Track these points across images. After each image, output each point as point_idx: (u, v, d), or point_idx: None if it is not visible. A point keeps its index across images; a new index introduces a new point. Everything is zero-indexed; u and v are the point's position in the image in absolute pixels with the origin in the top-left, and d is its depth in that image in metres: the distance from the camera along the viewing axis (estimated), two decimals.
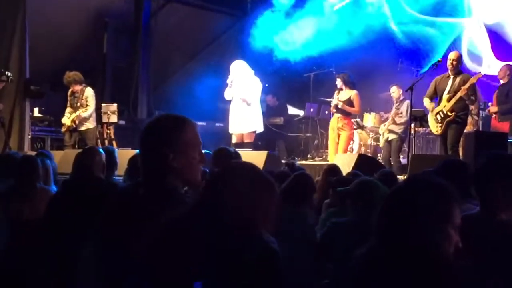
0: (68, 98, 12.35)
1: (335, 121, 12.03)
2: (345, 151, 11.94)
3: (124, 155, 8.96)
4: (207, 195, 2.42)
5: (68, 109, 12.24)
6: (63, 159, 9.94)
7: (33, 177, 5.45)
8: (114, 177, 6.45)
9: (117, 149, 11.41)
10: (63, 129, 12.27)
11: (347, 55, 15.49)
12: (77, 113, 11.94)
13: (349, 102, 11.85)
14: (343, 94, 11.97)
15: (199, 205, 2.42)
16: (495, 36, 14.87)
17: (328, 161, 12.18)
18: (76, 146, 12.06)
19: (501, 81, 11.50)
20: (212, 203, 2.35)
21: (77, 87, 12.13)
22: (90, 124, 12.13)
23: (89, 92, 12.17)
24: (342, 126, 11.93)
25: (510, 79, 11.41)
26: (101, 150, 5.41)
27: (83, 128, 12.10)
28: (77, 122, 11.98)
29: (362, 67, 15.62)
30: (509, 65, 11.92)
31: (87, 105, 12.00)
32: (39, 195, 5.32)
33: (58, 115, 13.36)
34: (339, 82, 12.03)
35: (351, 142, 13.30)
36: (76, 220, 4.13)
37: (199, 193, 2.49)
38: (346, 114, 11.96)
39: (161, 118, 2.89)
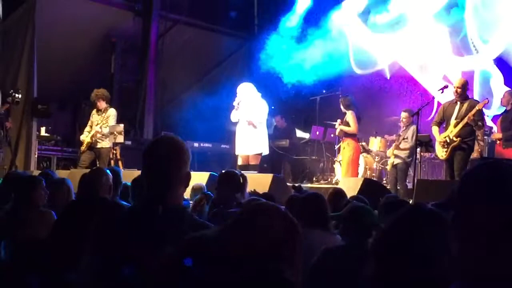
0: (91, 116, 12.42)
1: (342, 144, 12.13)
2: (348, 171, 11.88)
3: (129, 175, 9.01)
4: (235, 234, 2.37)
5: (88, 128, 12.31)
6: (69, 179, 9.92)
7: (33, 198, 5.18)
8: (118, 197, 6.45)
9: (122, 170, 11.52)
10: (82, 148, 12.30)
11: (355, 79, 15.57)
12: (97, 128, 12.03)
13: (346, 123, 11.91)
14: (344, 117, 12.07)
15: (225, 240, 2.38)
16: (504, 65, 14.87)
17: (333, 184, 12.18)
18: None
19: (505, 108, 11.53)
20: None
21: (103, 105, 12.28)
22: (106, 144, 12.18)
23: (112, 112, 12.32)
24: (344, 147, 11.98)
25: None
26: (108, 171, 5.41)
27: (98, 146, 12.16)
28: (97, 137, 12.06)
29: (369, 91, 15.69)
30: (511, 91, 11.98)
31: (107, 124, 12.11)
32: (39, 219, 4.95)
33: (65, 135, 13.43)
34: (341, 107, 12.12)
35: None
36: (79, 241, 4.11)
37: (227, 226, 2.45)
38: (346, 136, 11.99)
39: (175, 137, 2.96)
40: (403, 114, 12.58)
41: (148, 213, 2.77)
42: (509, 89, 12.24)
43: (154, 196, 2.82)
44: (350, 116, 11.82)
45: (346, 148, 11.92)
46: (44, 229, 4.56)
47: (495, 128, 12.39)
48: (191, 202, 6.59)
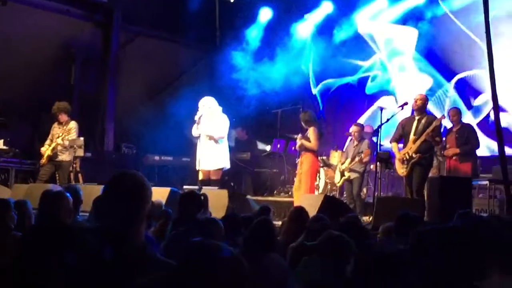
0: (52, 129, 12.29)
1: (300, 158, 12.14)
2: (306, 186, 11.86)
3: (90, 191, 8.93)
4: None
5: (48, 141, 12.18)
6: (28, 194, 9.77)
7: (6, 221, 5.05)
8: (78, 216, 6.39)
9: (82, 184, 11.42)
10: (42, 160, 12.16)
11: (318, 92, 15.68)
12: (58, 141, 11.90)
13: (307, 138, 11.94)
14: (306, 131, 12.09)
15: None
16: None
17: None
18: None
19: (455, 124, 11.74)
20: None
21: (65, 118, 12.22)
22: (67, 157, 12.06)
23: (74, 125, 12.23)
24: (302, 162, 11.99)
25: (461, 121, 11.84)
26: (68, 194, 5.34)
27: (58, 158, 12.03)
28: (57, 149, 11.93)
29: (331, 106, 15.82)
30: (456, 107, 12.39)
31: (69, 136, 12.01)
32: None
33: (24, 146, 13.24)
34: (302, 122, 12.14)
35: (317, 179, 13.36)
36: (39, 269, 4.06)
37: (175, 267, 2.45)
38: (305, 150, 12.01)
39: (136, 173, 2.93)
40: (355, 128, 12.66)
41: (109, 253, 2.75)
42: (454, 107, 12.59)
43: (116, 235, 2.80)
44: (311, 132, 11.85)
45: (304, 163, 11.93)
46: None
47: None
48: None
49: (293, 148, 14.67)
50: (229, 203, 10.06)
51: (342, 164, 12.50)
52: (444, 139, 11.43)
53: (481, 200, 11.62)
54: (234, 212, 7.57)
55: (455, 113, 11.77)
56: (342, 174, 12.44)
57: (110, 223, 2.87)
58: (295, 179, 13.27)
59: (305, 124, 12.00)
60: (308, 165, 11.90)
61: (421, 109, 10.50)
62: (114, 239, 2.79)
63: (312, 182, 12.16)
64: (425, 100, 10.62)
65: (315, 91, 16.87)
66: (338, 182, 12.70)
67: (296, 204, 10.30)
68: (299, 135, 12.16)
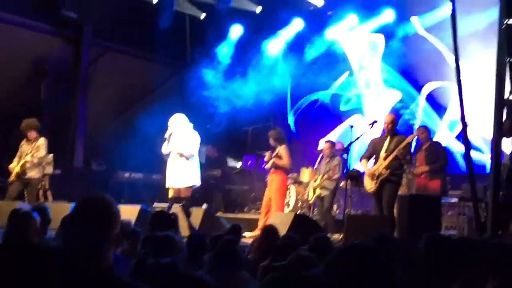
0: (20, 146, 12.17)
1: (270, 176, 12.14)
2: (277, 204, 11.86)
3: (59, 209, 8.85)
4: None
5: (17, 158, 12.06)
6: None
7: None
8: (46, 236, 6.33)
9: (51, 202, 11.30)
10: (11, 178, 12.02)
11: (286, 110, 15.73)
12: (27, 158, 11.78)
13: (278, 157, 11.95)
14: (275, 150, 12.10)
15: None
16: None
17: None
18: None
19: (424, 142, 11.85)
20: None
21: (34, 135, 12.07)
22: (36, 174, 11.94)
23: (43, 142, 12.09)
24: (272, 179, 11.99)
25: (430, 138, 11.97)
26: (35, 214, 5.29)
27: (27, 176, 11.89)
28: (26, 166, 11.81)
29: (302, 123, 15.88)
30: (424, 126, 12.50)
31: (38, 153, 11.90)
32: None
33: None
34: (270, 140, 12.16)
35: (288, 197, 13.41)
36: None
37: None
38: (276, 168, 12.02)
39: (105, 197, 2.91)
40: (326, 145, 12.77)
41: (77, 276, 2.73)
42: (422, 125, 12.75)
43: (84, 257, 2.78)
44: (283, 150, 11.89)
45: (274, 181, 11.96)
46: None
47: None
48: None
49: (263, 166, 14.70)
50: (202, 222, 10.04)
51: (315, 181, 12.54)
52: (413, 157, 11.53)
53: (451, 217, 11.73)
54: (198, 232, 7.55)
55: (423, 131, 11.88)
56: (314, 191, 12.49)
57: (78, 245, 2.85)
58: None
59: (275, 141, 12.03)
60: (278, 183, 11.93)
61: (392, 130, 10.60)
62: (82, 261, 2.77)
63: (282, 200, 12.20)
64: (394, 121, 10.72)
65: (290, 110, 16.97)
66: (311, 199, 12.74)
67: (266, 222, 10.34)
68: (268, 153, 12.17)
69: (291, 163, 12.00)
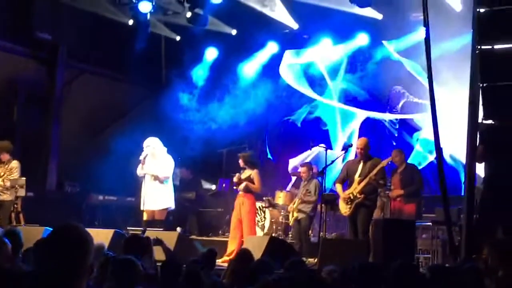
0: None
1: (239, 198, 12.08)
2: (249, 227, 11.80)
3: (31, 232, 8.76)
4: None
5: None
6: None
7: None
8: (18, 261, 6.24)
9: (24, 225, 11.18)
10: None
11: (264, 133, 15.73)
12: None
13: (250, 180, 11.91)
14: (245, 172, 12.05)
15: None
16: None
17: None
18: None
19: (399, 165, 11.88)
20: None
21: (6, 157, 12.08)
22: (8, 197, 11.90)
23: (16, 164, 12.15)
24: (242, 203, 11.93)
25: (405, 161, 12.07)
26: (6, 240, 5.23)
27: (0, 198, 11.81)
28: None
29: (277, 146, 15.90)
30: (399, 149, 12.52)
31: (11, 176, 11.84)
32: None
33: None
34: (240, 162, 12.14)
35: (262, 219, 13.40)
36: None
37: None
38: (247, 191, 11.98)
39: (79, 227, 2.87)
40: (302, 169, 12.78)
41: None
42: (397, 148, 12.76)
43: (57, 286, 2.74)
44: (255, 175, 11.88)
45: (245, 204, 11.90)
46: None
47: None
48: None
49: (234, 187, 14.66)
50: (176, 247, 9.94)
51: (294, 204, 12.54)
52: (388, 180, 11.56)
53: (425, 240, 11.76)
54: (174, 259, 7.48)
55: (397, 154, 11.89)
56: (292, 214, 12.50)
57: (51, 271, 2.80)
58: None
59: (246, 164, 12.02)
60: (249, 206, 11.90)
61: (365, 155, 10.65)
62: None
63: (254, 223, 12.20)
64: (367, 145, 10.76)
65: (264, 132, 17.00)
66: (290, 222, 12.75)
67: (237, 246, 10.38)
68: (237, 174, 12.14)
69: (261, 188, 12.03)
